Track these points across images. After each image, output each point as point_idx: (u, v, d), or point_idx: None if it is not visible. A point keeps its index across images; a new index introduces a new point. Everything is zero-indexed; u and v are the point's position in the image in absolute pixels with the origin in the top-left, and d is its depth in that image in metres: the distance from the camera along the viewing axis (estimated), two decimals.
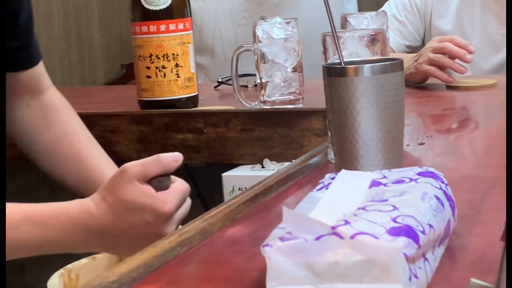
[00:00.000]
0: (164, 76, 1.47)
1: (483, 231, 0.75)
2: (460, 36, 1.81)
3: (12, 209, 0.89)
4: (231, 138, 1.39)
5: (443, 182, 0.74)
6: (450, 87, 1.61)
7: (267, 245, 0.61)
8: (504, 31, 1.80)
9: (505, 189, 0.87)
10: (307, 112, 1.36)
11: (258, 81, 1.43)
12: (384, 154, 0.83)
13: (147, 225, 0.89)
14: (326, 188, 0.73)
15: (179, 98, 1.49)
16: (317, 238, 0.59)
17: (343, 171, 0.77)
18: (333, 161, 0.91)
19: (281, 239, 0.61)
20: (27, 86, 1.19)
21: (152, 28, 1.45)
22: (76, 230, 0.90)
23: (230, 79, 1.64)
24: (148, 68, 1.47)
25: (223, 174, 1.36)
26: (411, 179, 0.72)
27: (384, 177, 0.75)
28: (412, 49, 1.94)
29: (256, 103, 1.43)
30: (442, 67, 1.61)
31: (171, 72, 1.47)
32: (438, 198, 0.69)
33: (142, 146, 1.45)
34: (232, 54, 1.53)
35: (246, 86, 1.72)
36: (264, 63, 1.41)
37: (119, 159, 1.46)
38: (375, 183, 0.73)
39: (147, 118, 1.44)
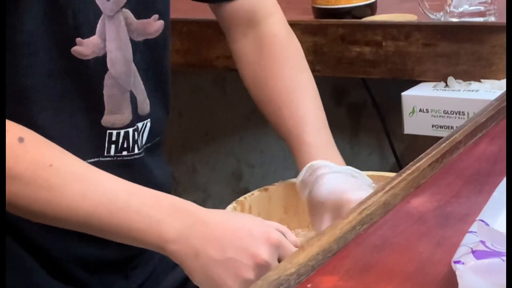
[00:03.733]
0: None
1: None
2: None
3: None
4: (412, 52, 1.30)
5: None
6: None
7: (458, 261, 0.54)
8: None
9: None
10: (499, 26, 1.23)
11: None
12: None
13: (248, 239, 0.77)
14: None
15: (356, 6, 1.39)
16: None
17: None
18: None
19: (474, 253, 0.54)
20: (242, 15, 1.05)
21: None
22: (168, 205, 0.78)
23: None
24: None
25: (402, 94, 1.27)
26: None
27: None
28: None
29: (441, 14, 1.31)
30: None
31: None
32: None
33: (316, 57, 1.38)
34: None
35: None
36: None
37: None
38: None
39: (322, 28, 1.37)
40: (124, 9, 0.87)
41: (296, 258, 0.64)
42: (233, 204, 1.03)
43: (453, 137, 0.84)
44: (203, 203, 1.66)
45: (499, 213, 0.60)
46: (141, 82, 0.91)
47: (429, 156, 0.80)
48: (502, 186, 0.65)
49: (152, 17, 0.91)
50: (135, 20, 0.89)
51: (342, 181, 0.91)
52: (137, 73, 0.90)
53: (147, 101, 0.93)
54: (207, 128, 1.81)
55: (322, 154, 0.96)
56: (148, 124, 0.93)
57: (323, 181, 0.91)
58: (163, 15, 0.92)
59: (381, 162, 1.53)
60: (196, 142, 1.83)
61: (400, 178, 0.75)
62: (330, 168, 0.93)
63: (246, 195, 1.05)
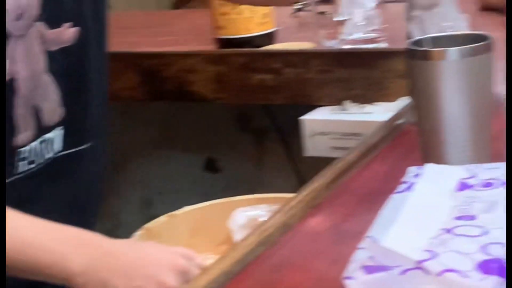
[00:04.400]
0: (240, 13, 1.43)
1: None
2: None
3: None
4: (310, 79, 1.36)
5: None
6: None
7: (349, 277, 0.59)
8: None
9: None
10: (389, 52, 1.30)
11: (337, 18, 1.37)
12: (471, 139, 0.79)
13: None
14: (410, 190, 0.70)
15: (256, 35, 1.45)
16: (402, 272, 0.57)
17: (428, 166, 0.73)
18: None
19: (364, 269, 0.59)
20: None
21: None
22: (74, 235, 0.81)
23: (307, 5, 1.59)
24: (223, 5, 1.43)
25: (302, 118, 1.33)
26: (501, 182, 0.68)
27: (472, 176, 0.71)
28: None
29: (335, 41, 1.38)
30: None
31: (247, 8, 1.42)
32: None
33: (219, 86, 1.42)
34: None
35: (324, 13, 1.66)
36: None
37: (196, 99, 1.45)
38: (462, 185, 0.70)
39: (224, 58, 1.42)
40: (37, 23, 0.89)
41: (199, 282, 0.68)
42: (140, 231, 1.06)
43: (347, 158, 0.90)
44: (113, 232, 1.67)
45: (387, 229, 0.65)
46: (55, 91, 0.93)
47: (325, 177, 0.85)
48: (390, 203, 0.70)
49: (65, 25, 0.92)
50: (48, 31, 0.91)
51: None
52: (50, 83, 0.92)
53: (60, 109, 0.94)
54: (116, 158, 1.83)
55: None
56: (62, 132, 0.95)
57: None
58: (79, 22, 0.94)
59: (285, 184, 1.58)
60: None
61: (298, 199, 0.81)
62: None
63: (153, 221, 1.08)
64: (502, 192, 0.67)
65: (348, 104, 1.32)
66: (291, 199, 0.81)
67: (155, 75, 1.47)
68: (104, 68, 0.99)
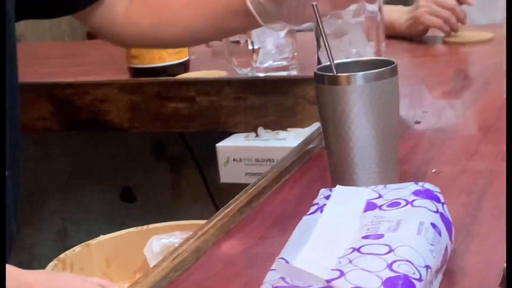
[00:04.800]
0: None
1: (480, 248, 0.74)
2: None
3: None
4: (224, 106, 1.37)
5: (439, 201, 0.72)
6: (446, 42, 1.58)
7: None
8: None
9: (502, 188, 0.85)
10: (301, 80, 1.33)
11: (250, 47, 1.39)
12: (379, 162, 0.81)
13: None
14: (321, 211, 0.72)
15: (170, 65, 1.46)
16: None
17: (338, 188, 0.75)
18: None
19: None
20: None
21: None
22: None
23: None
24: None
25: (217, 145, 1.34)
26: (407, 202, 0.71)
27: (380, 196, 0.73)
28: None
29: (248, 69, 1.40)
30: (444, 20, 1.58)
31: None
32: (434, 226, 0.68)
33: (134, 115, 1.43)
34: None
35: (238, 42, 1.68)
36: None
37: (111, 129, 1.45)
38: (370, 206, 0.71)
39: (138, 87, 1.42)
40: None
41: None
42: (54, 261, 1.05)
43: (259, 182, 0.92)
44: (28, 264, 1.64)
45: (298, 250, 0.67)
46: None
47: (238, 201, 0.86)
48: (301, 225, 0.72)
49: None
50: None
51: None
52: None
53: None
54: (30, 188, 1.80)
55: None
56: None
57: None
58: None
59: (202, 211, 1.59)
60: None
61: (211, 224, 0.81)
62: None
63: (67, 252, 1.07)
64: (407, 211, 0.69)
65: (262, 131, 1.34)
66: (204, 224, 0.81)
67: (69, 105, 1.46)
68: (14, 97, 0.98)
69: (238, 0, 1.02)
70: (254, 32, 1.38)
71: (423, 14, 1.58)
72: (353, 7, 1.07)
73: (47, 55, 1.85)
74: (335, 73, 0.81)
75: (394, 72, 0.81)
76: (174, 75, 1.46)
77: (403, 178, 0.84)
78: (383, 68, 0.81)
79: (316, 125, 1.22)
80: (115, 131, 1.45)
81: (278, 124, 1.35)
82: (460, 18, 1.57)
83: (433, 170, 0.92)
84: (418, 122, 1.11)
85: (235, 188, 0.93)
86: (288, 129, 1.33)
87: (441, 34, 1.60)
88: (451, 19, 1.57)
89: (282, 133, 1.33)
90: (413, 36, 1.63)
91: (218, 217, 0.83)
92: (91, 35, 2.85)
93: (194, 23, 1.05)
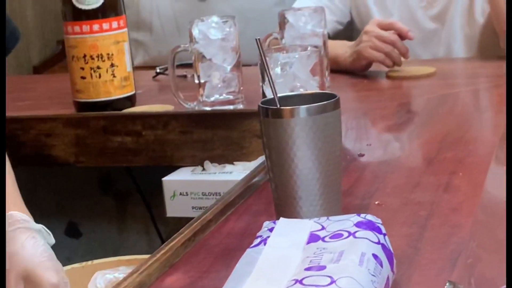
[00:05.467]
0: (99, 77, 1.43)
1: (422, 278, 0.74)
2: (381, 9, 1.80)
3: None
4: (170, 140, 1.37)
5: (381, 233, 0.73)
6: (389, 76, 1.61)
7: None
8: (423, 4, 1.79)
9: (443, 220, 0.87)
10: (247, 113, 1.34)
11: (196, 81, 1.40)
12: (322, 194, 0.82)
13: None
14: (264, 244, 0.72)
15: (116, 99, 1.45)
16: None
17: (281, 220, 0.76)
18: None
19: None
20: None
21: (85, 28, 1.41)
22: None
23: (167, 68, 1.61)
24: (83, 69, 1.43)
25: (163, 179, 1.34)
26: (349, 233, 0.71)
27: (323, 228, 0.74)
28: (342, 25, 1.92)
29: (194, 103, 1.41)
30: (386, 54, 1.60)
31: (107, 72, 1.43)
32: (376, 257, 0.69)
33: (79, 149, 1.42)
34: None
35: (185, 76, 1.69)
36: (202, 62, 1.38)
37: (56, 163, 1.43)
38: (313, 238, 0.72)
39: (83, 121, 1.41)
40: None
41: None
42: None
43: (204, 216, 0.92)
44: None
45: (241, 283, 0.67)
46: None
47: (182, 235, 0.86)
48: (245, 257, 0.72)
49: None
50: None
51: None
52: None
53: None
54: None
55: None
56: None
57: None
58: None
59: (148, 246, 1.58)
60: None
61: (155, 258, 0.81)
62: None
63: None
64: (350, 242, 0.70)
65: (208, 164, 1.34)
66: (148, 259, 0.81)
67: (13, 140, 1.45)
68: None
69: None
70: (201, 66, 1.38)
71: (365, 49, 1.61)
72: (296, 40, 1.08)
73: None
74: (278, 106, 0.82)
75: (336, 105, 0.82)
76: (120, 109, 1.45)
77: (346, 210, 0.85)
78: (326, 101, 0.82)
79: (262, 159, 1.23)
80: (60, 166, 1.44)
81: (225, 157, 1.35)
82: (402, 52, 1.60)
83: (376, 202, 0.93)
84: (362, 155, 1.12)
85: (182, 222, 0.93)
86: (235, 162, 1.34)
87: (385, 69, 1.63)
88: (393, 53, 1.59)
89: (228, 167, 1.33)
90: (357, 71, 1.66)
91: (162, 251, 0.82)
92: (37, 70, 2.84)
93: None
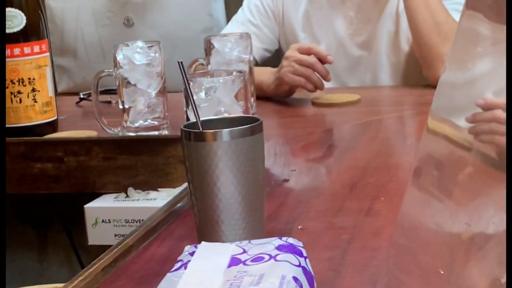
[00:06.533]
0: (20, 102, 1.40)
1: None
2: (309, 36, 1.82)
3: None
4: (93, 166, 1.35)
5: (302, 256, 0.73)
6: (314, 103, 1.62)
7: None
8: (350, 32, 1.82)
9: (365, 243, 0.87)
10: (172, 139, 1.33)
11: (121, 106, 1.38)
12: (245, 218, 0.82)
13: None
14: (185, 268, 0.71)
15: (37, 124, 1.43)
16: None
17: (202, 244, 0.75)
18: None
19: None
20: None
21: (6, 51, 1.38)
22: None
23: (90, 94, 1.59)
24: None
25: (85, 206, 1.31)
26: (270, 256, 0.71)
27: (244, 251, 0.73)
28: (270, 53, 1.94)
29: (119, 129, 1.39)
30: (306, 78, 1.61)
31: (28, 97, 1.41)
32: (296, 280, 0.68)
33: None
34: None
35: (110, 102, 1.67)
36: (126, 88, 1.37)
37: None
38: (234, 261, 0.71)
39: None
40: None
41: None
42: None
43: (125, 241, 0.90)
44: None
45: None
46: None
47: (102, 261, 0.84)
48: (164, 281, 0.70)
49: None
50: None
51: None
52: None
53: None
54: None
55: None
56: None
57: None
58: None
59: (69, 274, 1.54)
60: None
61: (73, 285, 0.79)
62: None
63: None
64: (271, 265, 0.69)
65: (132, 191, 1.33)
66: (67, 285, 0.79)
67: None
68: None
69: None
70: (125, 92, 1.37)
71: (286, 74, 1.62)
72: (222, 66, 1.08)
73: None
74: (201, 129, 0.81)
75: (259, 129, 0.82)
76: (42, 135, 1.42)
77: (270, 234, 0.84)
78: (249, 125, 0.82)
79: (186, 185, 1.22)
80: None
81: (149, 184, 1.33)
82: (323, 74, 1.60)
83: (299, 227, 0.93)
84: (287, 180, 1.13)
85: (104, 250, 0.91)
86: (159, 189, 1.32)
87: (310, 96, 1.64)
88: (313, 76, 1.60)
89: (152, 193, 1.32)
90: (281, 96, 1.67)
91: (81, 277, 0.80)
92: None
93: None
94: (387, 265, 0.72)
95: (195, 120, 0.83)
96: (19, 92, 1.40)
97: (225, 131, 0.80)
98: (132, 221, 1.28)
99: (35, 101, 1.41)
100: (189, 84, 0.83)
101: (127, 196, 1.33)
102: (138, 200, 1.31)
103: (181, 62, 0.83)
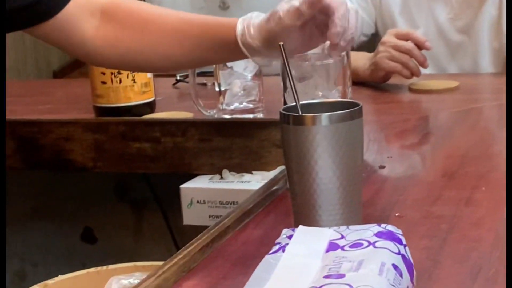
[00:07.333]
0: (120, 82, 1.43)
1: None
2: (407, 20, 1.79)
3: None
4: (188, 148, 1.37)
5: (401, 243, 0.72)
6: (411, 89, 1.60)
7: None
8: (451, 16, 1.77)
9: (464, 234, 0.85)
10: (266, 122, 1.33)
11: (217, 88, 1.39)
12: (343, 204, 0.81)
13: None
14: (283, 251, 0.71)
15: (136, 104, 1.45)
16: None
17: (300, 228, 0.74)
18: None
19: None
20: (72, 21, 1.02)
21: None
22: None
23: (187, 76, 1.61)
24: (103, 73, 1.43)
25: (181, 186, 1.33)
26: (369, 243, 0.70)
27: (342, 237, 0.73)
28: (367, 37, 1.91)
29: (214, 111, 1.40)
30: (403, 64, 1.59)
31: (127, 78, 1.43)
32: (396, 267, 0.67)
33: (97, 154, 1.41)
34: None
35: (205, 84, 1.68)
36: (223, 70, 1.38)
37: (74, 168, 1.43)
38: (332, 246, 0.71)
39: (102, 126, 1.41)
40: None
41: None
42: None
43: (222, 223, 0.91)
44: None
45: None
46: None
47: (200, 241, 0.85)
48: (263, 264, 0.71)
49: None
50: None
51: None
52: None
53: None
54: None
55: None
56: None
57: None
58: None
59: (164, 254, 1.57)
60: None
61: (172, 262, 0.80)
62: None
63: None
64: (370, 251, 0.69)
65: (226, 173, 1.34)
66: (166, 263, 0.80)
67: (32, 143, 1.44)
68: None
69: (226, 36, 1.01)
70: (221, 74, 1.38)
71: (382, 60, 1.59)
72: (319, 50, 1.07)
73: (11, 93, 1.82)
74: (300, 113, 0.81)
75: (359, 114, 0.81)
76: (139, 115, 1.45)
77: (366, 221, 0.83)
78: (348, 109, 0.81)
79: (281, 169, 1.22)
80: (78, 171, 1.43)
81: (243, 166, 1.34)
82: (420, 61, 1.57)
83: (396, 214, 0.92)
84: (383, 167, 1.11)
85: (198, 231, 0.92)
86: (253, 172, 1.33)
87: (407, 82, 1.62)
88: (410, 63, 1.57)
89: (246, 176, 1.32)
90: (376, 82, 1.64)
91: (180, 256, 0.81)
92: (56, 74, 2.84)
93: (175, 51, 1.04)
94: (490, 258, 0.70)
95: (293, 104, 0.83)
96: (119, 73, 1.42)
97: (325, 115, 0.79)
98: (227, 202, 1.29)
99: (134, 82, 1.44)
100: (289, 67, 0.83)
101: (222, 178, 1.34)
102: (232, 182, 1.32)
103: (283, 44, 0.83)
